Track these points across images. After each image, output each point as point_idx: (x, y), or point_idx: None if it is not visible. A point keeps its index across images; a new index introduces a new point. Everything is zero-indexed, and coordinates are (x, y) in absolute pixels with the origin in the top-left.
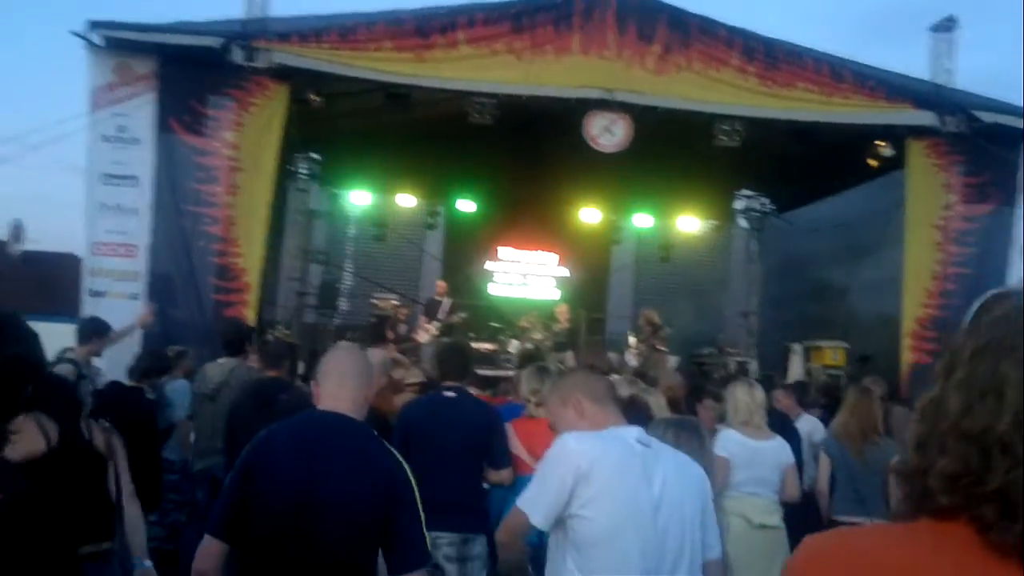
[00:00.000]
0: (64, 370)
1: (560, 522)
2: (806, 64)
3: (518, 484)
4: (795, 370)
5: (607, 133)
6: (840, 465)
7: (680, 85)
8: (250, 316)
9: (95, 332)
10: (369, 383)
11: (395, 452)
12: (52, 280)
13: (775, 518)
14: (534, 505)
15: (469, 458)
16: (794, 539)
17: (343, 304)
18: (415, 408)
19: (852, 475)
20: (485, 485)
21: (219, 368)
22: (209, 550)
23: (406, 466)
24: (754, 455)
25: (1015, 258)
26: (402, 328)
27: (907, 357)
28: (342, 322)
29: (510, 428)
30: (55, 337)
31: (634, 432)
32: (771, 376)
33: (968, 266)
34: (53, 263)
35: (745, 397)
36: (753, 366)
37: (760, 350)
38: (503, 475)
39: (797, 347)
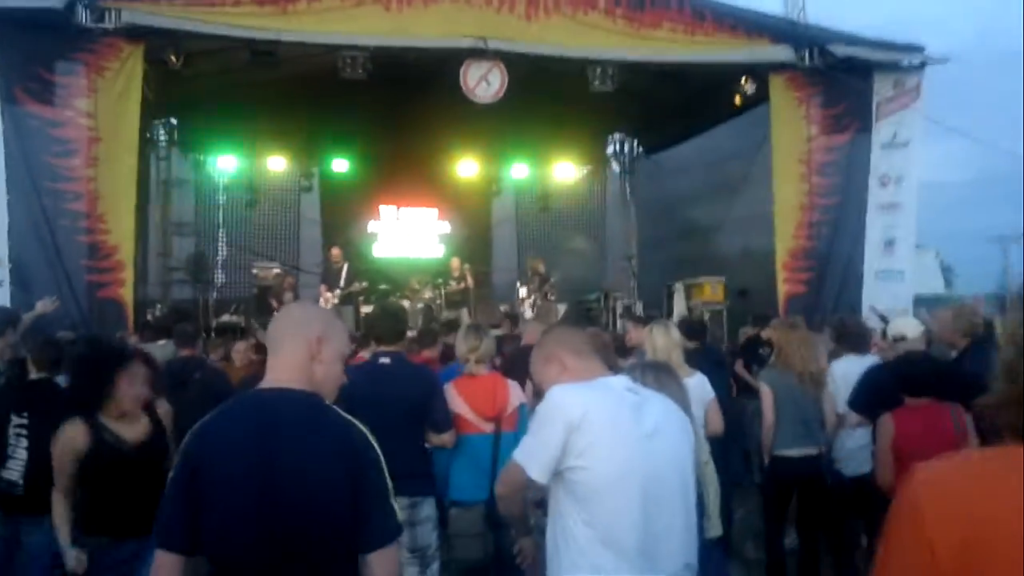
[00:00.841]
0: None
1: (558, 476)
2: (669, 4)
3: (466, 443)
4: (678, 308)
5: (484, 83)
6: (786, 400)
7: (551, 31)
8: (127, 295)
9: (8, 322)
10: (309, 336)
11: (351, 419)
12: None
13: (704, 453)
14: (529, 458)
15: (411, 423)
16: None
17: (219, 277)
18: (352, 376)
19: (800, 409)
20: (428, 447)
21: (161, 351)
22: (164, 565)
23: (367, 432)
24: None
25: (873, 184)
26: (287, 297)
27: (783, 288)
28: (220, 296)
29: (451, 388)
30: None
31: (622, 380)
32: (654, 316)
33: (832, 196)
34: None
35: (662, 338)
36: (638, 308)
37: (642, 291)
38: (445, 438)
39: (679, 286)
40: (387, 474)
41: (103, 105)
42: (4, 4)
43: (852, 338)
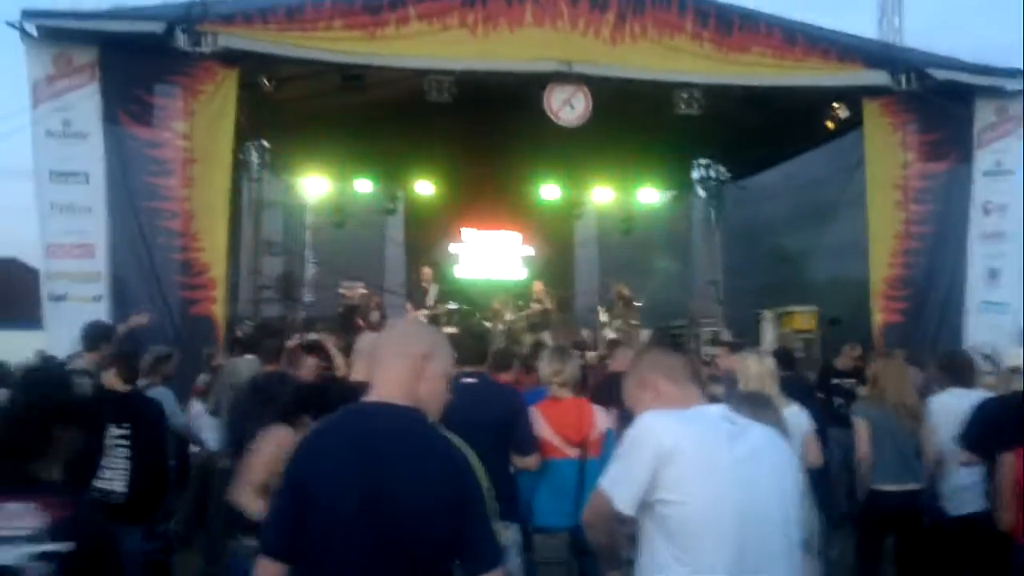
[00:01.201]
0: (84, 385)
1: (647, 507)
2: (759, 28)
3: (549, 468)
4: (768, 337)
5: (567, 107)
6: (882, 433)
7: (636, 54)
8: (218, 312)
9: (103, 337)
10: (416, 353)
11: (454, 438)
12: None
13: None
14: (615, 487)
15: (495, 445)
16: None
17: (307, 295)
18: None
19: (897, 443)
20: (512, 471)
21: (249, 365)
22: (267, 571)
23: (470, 452)
24: None
25: (974, 213)
26: (374, 316)
27: (878, 318)
28: (308, 314)
29: (536, 412)
30: (19, 346)
31: (718, 409)
32: (744, 344)
33: (930, 224)
34: None
35: (756, 366)
36: (725, 335)
37: (728, 318)
38: (529, 461)
39: (768, 314)
40: (488, 497)
41: (199, 127)
42: (108, 28)
43: (958, 370)
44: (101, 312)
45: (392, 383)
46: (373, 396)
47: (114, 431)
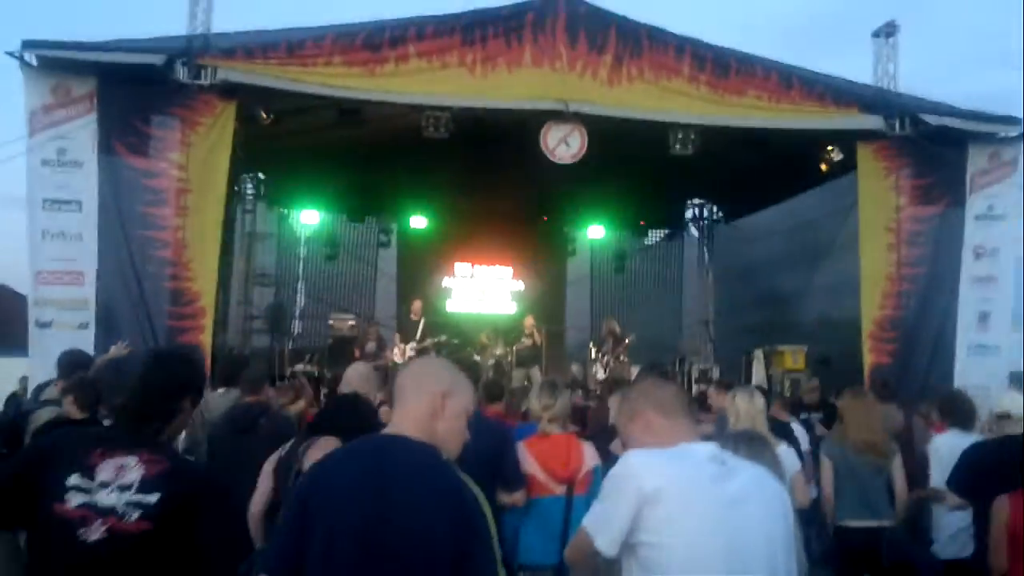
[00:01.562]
0: (46, 415)
1: (630, 549)
2: (755, 71)
3: (537, 505)
4: (758, 375)
5: (563, 145)
6: (844, 470)
7: (633, 95)
8: (206, 341)
9: (80, 365)
10: (435, 391)
11: (465, 477)
12: None
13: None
14: (598, 527)
15: (481, 480)
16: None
17: (296, 327)
18: None
19: (858, 479)
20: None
21: (222, 399)
22: None
23: (479, 492)
24: None
25: (966, 257)
26: (370, 347)
27: (868, 359)
28: (295, 345)
29: (523, 447)
30: (7, 371)
31: (707, 448)
32: (727, 382)
33: (922, 266)
34: None
35: (746, 404)
36: (715, 373)
37: (719, 357)
38: (516, 496)
39: (758, 352)
40: (495, 539)
41: (195, 158)
42: (108, 60)
43: (960, 413)
44: (87, 339)
45: (409, 419)
46: (391, 429)
47: None
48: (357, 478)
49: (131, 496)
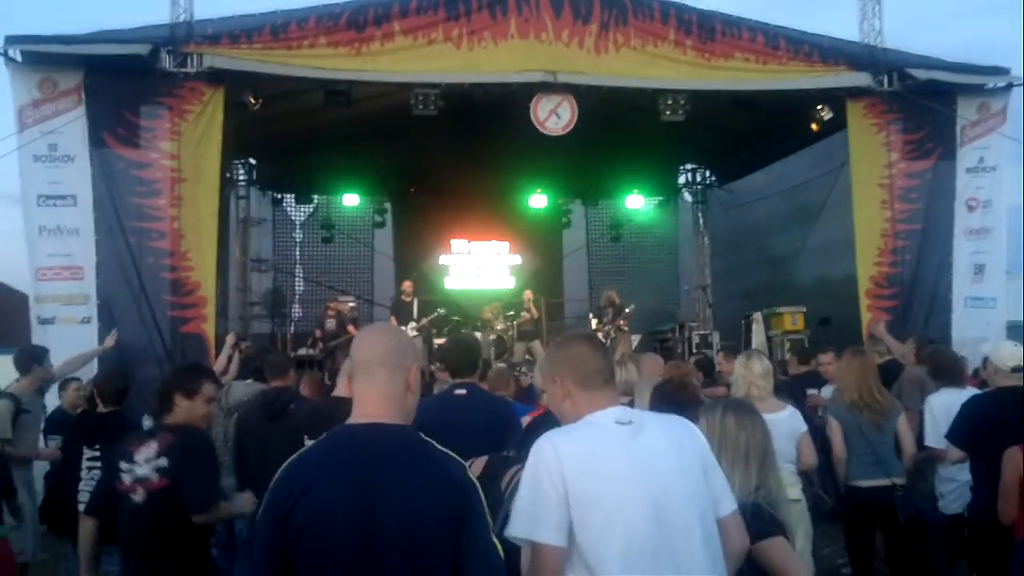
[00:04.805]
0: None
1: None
2: (741, 33)
3: None
4: (758, 338)
5: (554, 116)
6: (853, 430)
7: (620, 63)
8: (209, 330)
9: (32, 359)
10: (408, 365)
11: (449, 454)
12: None
13: (795, 491)
14: (543, 524)
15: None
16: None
17: (296, 311)
18: (425, 408)
19: (867, 438)
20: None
21: (245, 388)
22: None
23: (465, 465)
24: None
25: (958, 210)
26: (329, 325)
27: (866, 316)
28: (296, 330)
29: (527, 422)
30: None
31: (613, 413)
32: (734, 346)
33: (915, 221)
34: None
35: (742, 370)
36: (715, 338)
37: (718, 322)
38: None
39: (757, 315)
40: (487, 509)
41: (186, 146)
42: (93, 52)
43: (949, 373)
44: (90, 334)
45: (384, 401)
46: (362, 415)
47: (87, 452)
48: (340, 480)
49: (155, 463)
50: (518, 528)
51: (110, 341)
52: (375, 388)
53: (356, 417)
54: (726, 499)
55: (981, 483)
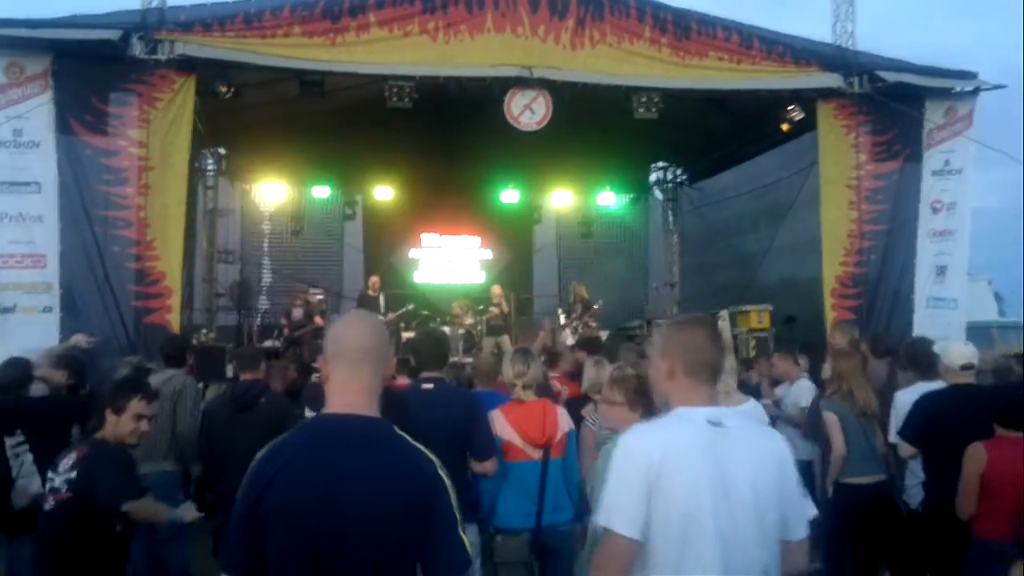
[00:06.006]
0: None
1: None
2: (716, 33)
3: (515, 470)
4: (724, 336)
5: (528, 112)
6: (850, 429)
7: (596, 59)
8: (173, 321)
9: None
10: (385, 361)
11: (419, 448)
12: None
13: None
14: (621, 515)
15: (452, 449)
16: None
17: (262, 303)
18: (387, 403)
19: (866, 437)
20: (469, 475)
21: (155, 378)
22: None
23: (437, 462)
24: None
25: (923, 211)
26: (297, 314)
27: (831, 315)
28: (263, 322)
29: (499, 415)
30: None
31: (705, 413)
32: None
33: (881, 222)
34: None
35: None
36: None
37: None
38: (487, 466)
39: (724, 313)
40: (455, 503)
41: (155, 135)
42: (62, 37)
43: (924, 366)
44: (52, 323)
45: (366, 393)
46: (342, 405)
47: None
48: (310, 472)
49: (66, 476)
50: (603, 518)
51: (83, 341)
52: (360, 380)
53: (336, 407)
54: (799, 524)
55: (933, 479)
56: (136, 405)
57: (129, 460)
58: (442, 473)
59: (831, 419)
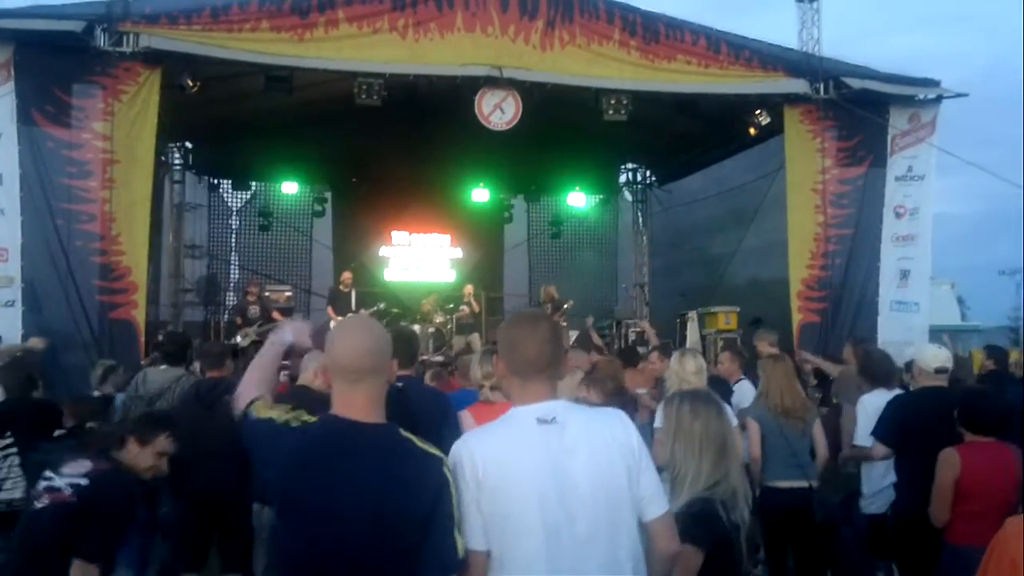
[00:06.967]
0: None
1: None
2: (684, 36)
3: None
4: (692, 337)
5: (498, 111)
6: (772, 432)
7: (566, 60)
8: (139, 317)
9: None
10: (387, 364)
11: (427, 447)
12: None
13: None
14: (467, 530)
15: None
16: None
17: (230, 299)
18: None
19: (787, 440)
20: None
21: (161, 375)
22: None
23: (443, 458)
24: None
25: (887, 216)
26: (253, 312)
27: (796, 318)
28: (230, 318)
29: (468, 415)
30: None
31: (535, 410)
32: (668, 344)
33: (846, 227)
34: None
35: (675, 366)
36: (651, 336)
37: (654, 319)
38: None
39: (692, 314)
40: (456, 501)
41: (120, 128)
42: (24, 27)
43: (880, 374)
44: (14, 318)
45: (370, 404)
46: (346, 411)
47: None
48: (320, 481)
49: (75, 479)
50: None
51: (39, 345)
52: (362, 394)
53: (344, 413)
54: (655, 502)
55: (904, 482)
56: (163, 442)
57: (132, 504)
58: (448, 472)
59: (751, 424)
